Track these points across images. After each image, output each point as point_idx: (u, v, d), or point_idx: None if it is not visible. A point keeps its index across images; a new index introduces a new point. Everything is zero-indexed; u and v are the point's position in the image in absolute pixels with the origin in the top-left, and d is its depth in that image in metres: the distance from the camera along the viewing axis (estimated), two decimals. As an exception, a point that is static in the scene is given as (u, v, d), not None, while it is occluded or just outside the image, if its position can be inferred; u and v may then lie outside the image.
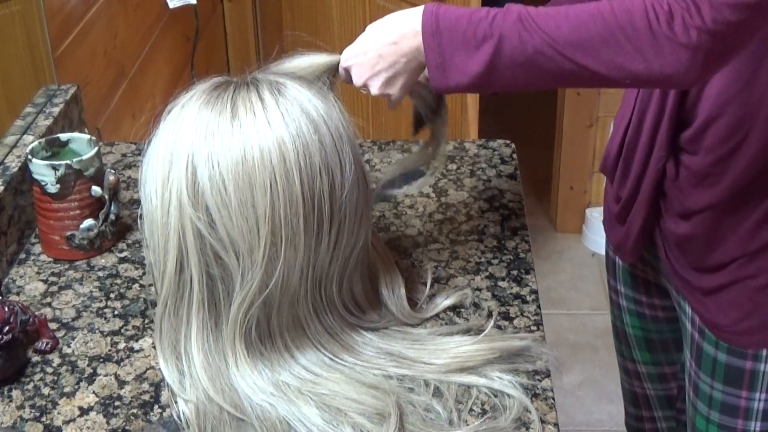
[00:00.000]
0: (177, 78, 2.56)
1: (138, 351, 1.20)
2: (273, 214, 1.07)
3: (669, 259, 1.35)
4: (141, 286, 1.33)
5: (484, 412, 1.09)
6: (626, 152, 1.34)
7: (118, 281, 1.35)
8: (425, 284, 1.30)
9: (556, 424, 1.08)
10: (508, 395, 1.11)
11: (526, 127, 3.52)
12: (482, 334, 1.19)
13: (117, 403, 1.12)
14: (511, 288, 1.31)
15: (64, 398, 1.13)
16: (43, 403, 1.12)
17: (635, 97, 1.32)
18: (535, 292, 1.31)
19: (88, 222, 1.38)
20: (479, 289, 1.31)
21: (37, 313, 1.22)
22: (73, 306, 1.29)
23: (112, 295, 1.32)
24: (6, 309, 1.14)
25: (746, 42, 1.04)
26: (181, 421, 1.08)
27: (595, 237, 3.21)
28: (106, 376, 1.16)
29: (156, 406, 1.11)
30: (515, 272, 1.35)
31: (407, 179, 1.59)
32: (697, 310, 1.32)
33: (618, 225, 1.42)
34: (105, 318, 1.27)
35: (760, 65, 1.14)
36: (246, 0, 3.20)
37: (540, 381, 1.14)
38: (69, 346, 1.21)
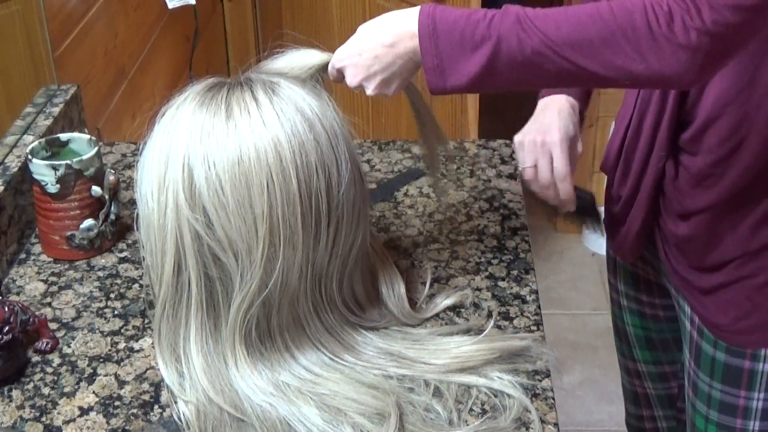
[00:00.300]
0: (177, 78, 2.56)
1: (138, 351, 1.20)
2: (271, 214, 1.07)
3: (668, 258, 1.35)
4: (141, 286, 1.33)
5: (484, 412, 1.09)
6: (626, 151, 1.34)
7: (118, 281, 1.35)
8: (425, 284, 1.30)
9: (556, 424, 1.08)
10: (508, 395, 1.11)
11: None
12: (482, 334, 1.19)
13: (117, 403, 1.12)
14: (511, 288, 1.31)
15: (64, 398, 1.13)
16: (43, 403, 1.12)
17: (636, 97, 1.32)
18: (535, 292, 1.31)
19: (88, 222, 1.38)
20: (479, 289, 1.31)
21: (37, 313, 1.22)
22: (73, 306, 1.29)
23: (112, 295, 1.32)
24: (6, 309, 1.14)
25: (746, 43, 1.04)
26: (181, 421, 1.08)
27: (595, 237, 3.21)
28: (106, 376, 1.16)
29: (156, 406, 1.11)
30: (515, 272, 1.35)
31: (407, 179, 1.59)
32: (696, 309, 1.33)
33: (618, 224, 1.42)
34: (105, 318, 1.27)
35: (759, 67, 1.14)
36: (246, 0, 3.20)
37: (540, 381, 1.14)
38: (69, 346, 1.21)
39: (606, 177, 1.46)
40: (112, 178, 1.40)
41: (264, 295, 1.09)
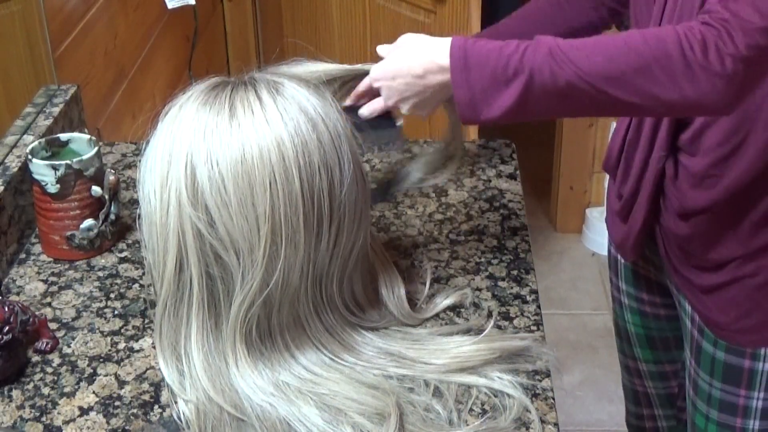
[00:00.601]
0: (177, 78, 2.56)
1: (138, 351, 1.20)
2: (273, 213, 1.07)
3: (669, 257, 1.35)
4: (141, 286, 1.33)
5: (484, 412, 1.09)
6: (627, 151, 1.35)
7: (118, 281, 1.35)
8: (425, 284, 1.30)
9: (556, 424, 1.08)
10: (508, 395, 1.11)
11: (526, 127, 3.51)
12: (482, 334, 1.19)
13: (117, 403, 1.12)
14: (511, 288, 1.31)
15: (64, 398, 1.13)
16: (43, 403, 1.12)
17: None
18: (535, 292, 1.31)
19: (88, 222, 1.38)
20: (479, 289, 1.31)
21: (37, 313, 1.22)
22: (73, 306, 1.29)
23: (112, 295, 1.32)
24: (6, 309, 1.14)
25: None
26: (181, 421, 1.08)
27: (595, 237, 3.21)
28: (106, 376, 1.16)
29: (156, 406, 1.11)
30: (515, 272, 1.35)
31: (398, 183, 1.59)
32: (697, 308, 1.33)
33: (620, 222, 1.42)
34: (105, 318, 1.27)
35: None
36: (246, 0, 3.20)
37: (540, 381, 1.14)
38: (69, 346, 1.21)
39: (607, 177, 1.46)
40: (112, 178, 1.40)
41: (265, 295, 1.09)
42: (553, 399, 1.12)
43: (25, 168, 1.40)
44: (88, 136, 1.43)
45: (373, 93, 1.23)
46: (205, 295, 1.11)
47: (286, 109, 1.09)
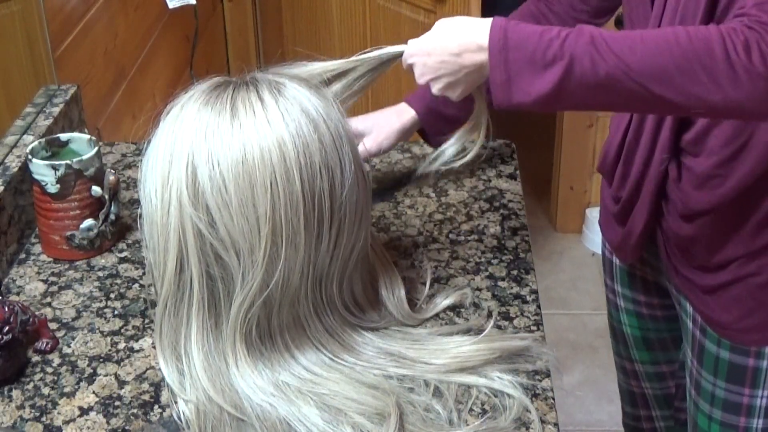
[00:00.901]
0: (177, 78, 2.56)
1: (138, 351, 1.20)
2: (274, 214, 1.07)
3: (670, 258, 1.35)
4: (141, 286, 1.33)
5: (484, 412, 1.09)
6: (626, 153, 1.34)
7: (118, 281, 1.35)
8: (425, 284, 1.30)
9: (556, 424, 1.08)
10: (508, 395, 1.11)
11: (526, 127, 3.52)
12: (482, 334, 1.19)
13: (117, 403, 1.12)
14: (511, 288, 1.31)
15: (64, 398, 1.13)
16: (43, 403, 1.12)
17: None
18: (535, 292, 1.31)
19: (88, 222, 1.38)
20: (479, 289, 1.31)
21: (37, 313, 1.22)
22: (73, 306, 1.29)
23: (112, 295, 1.32)
24: (6, 309, 1.14)
25: None
26: (181, 421, 1.08)
27: (595, 237, 3.21)
28: (106, 376, 1.16)
29: (156, 406, 1.11)
30: (515, 272, 1.35)
31: (407, 179, 1.59)
32: (699, 308, 1.33)
33: (617, 225, 1.42)
34: (105, 318, 1.27)
35: None
36: (246, 0, 3.20)
37: (540, 381, 1.14)
38: (69, 346, 1.21)
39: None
40: (112, 178, 1.40)
41: (265, 295, 1.09)
42: (553, 399, 1.12)
43: (25, 168, 1.40)
44: (88, 136, 1.43)
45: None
46: (205, 295, 1.11)
47: (287, 110, 1.09)
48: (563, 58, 1.03)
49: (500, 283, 1.32)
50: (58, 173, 1.34)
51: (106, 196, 1.40)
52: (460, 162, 1.33)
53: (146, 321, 1.26)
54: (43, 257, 1.40)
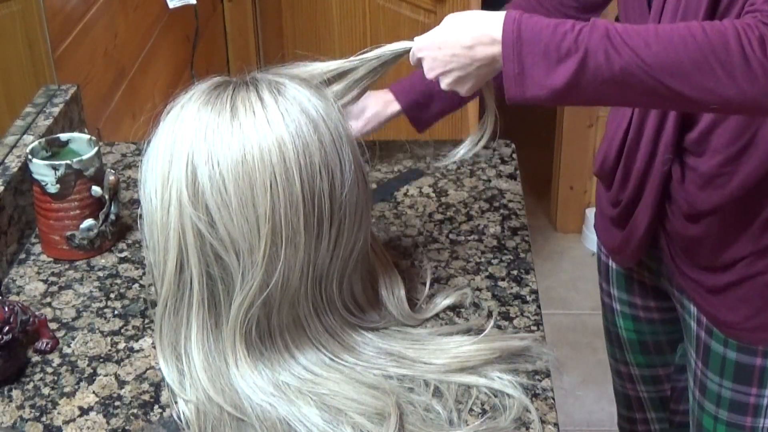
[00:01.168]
0: (177, 78, 2.56)
1: (138, 351, 1.20)
2: (273, 214, 1.07)
3: (674, 260, 1.34)
4: (141, 286, 1.33)
5: (484, 412, 1.09)
6: (627, 155, 1.32)
7: (118, 281, 1.35)
8: (425, 284, 1.30)
9: (556, 424, 1.08)
10: (508, 395, 1.11)
11: (526, 127, 3.51)
12: (482, 334, 1.19)
13: (117, 403, 1.12)
14: (511, 288, 1.31)
15: (64, 398, 1.13)
16: (43, 403, 1.12)
17: None
18: (535, 292, 1.31)
19: (88, 222, 1.38)
20: (479, 289, 1.31)
21: (37, 313, 1.22)
22: (73, 306, 1.29)
23: (112, 295, 1.32)
24: (6, 309, 1.14)
25: None
26: (181, 421, 1.08)
27: (595, 237, 3.20)
28: (106, 376, 1.16)
29: (156, 406, 1.11)
30: (515, 272, 1.35)
31: (407, 178, 1.59)
32: (705, 309, 1.32)
33: (616, 229, 1.41)
34: (105, 318, 1.27)
35: None
36: (246, 0, 3.20)
37: (540, 381, 1.14)
38: (69, 346, 1.21)
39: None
40: (112, 178, 1.40)
41: (265, 295, 1.09)
42: (553, 399, 1.12)
43: (25, 168, 1.40)
44: (88, 136, 1.43)
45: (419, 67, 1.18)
46: (205, 295, 1.11)
47: (287, 110, 1.09)
48: (578, 52, 1.01)
49: (500, 283, 1.32)
50: (58, 173, 1.34)
51: (106, 196, 1.40)
52: (462, 153, 1.31)
53: (146, 321, 1.26)
54: (43, 257, 1.40)
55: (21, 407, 1.12)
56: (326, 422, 1.05)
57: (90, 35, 1.93)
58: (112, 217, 1.41)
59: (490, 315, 1.25)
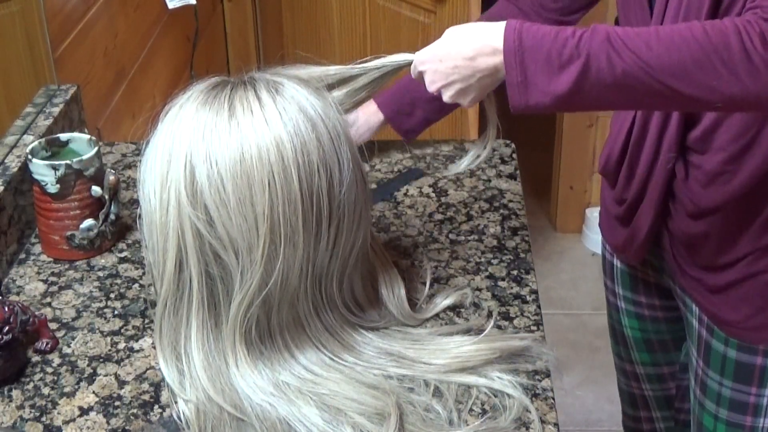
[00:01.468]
0: (177, 78, 2.56)
1: (138, 351, 1.20)
2: (272, 213, 1.07)
3: (676, 258, 1.34)
4: (141, 286, 1.33)
5: (484, 412, 1.09)
6: (631, 153, 1.33)
7: (118, 281, 1.35)
8: (425, 284, 1.30)
9: (556, 424, 1.08)
10: (508, 395, 1.11)
11: (526, 127, 3.51)
12: (482, 334, 1.19)
13: (117, 403, 1.12)
14: (511, 288, 1.31)
15: (64, 398, 1.13)
16: (43, 403, 1.12)
17: None
18: (535, 292, 1.31)
19: (88, 222, 1.38)
20: (479, 289, 1.31)
21: (37, 313, 1.22)
22: (73, 306, 1.29)
23: (112, 295, 1.32)
24: (6, 309, 1.14)
25: None
26: (181, 421, 1.08)
27: (595, 237, 3.20)
28: (106, 376, 1.16)
29: (156, 406, 1.11)
30: (515, 272, 1.35)
31: (407, 179, 1.59)
32: (706, 307, 1.32)
33: (620, 227, 1.41)
34: (105, 318, 1.27)
35: None
36: (246, 0, 3.20)
37: (540, 381, 1.14)
38: (69, 346, 1.21)
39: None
40: (112, 178, 1.40)
41: (264, 294, 1.09)
42: (553, 399, 1.12)
43: (25, 168, 1.40)
44: (88, 136, 1.43)
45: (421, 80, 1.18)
46: (204, 294, 1.11)
47: (285, 109, 1.09)
48: (579, 57, 1.02)
49: (500, 283, 1.32)
50: (58, 173, 1.34)
51: (106, 196, 1.40)
52: (466, 165, 1.33)
53: (146, 321, 1.26)
54: (43, 257, 1.40)
55: (21, 407, 1.12)
56: (326, 422, 1.05)
57: (90, 35, 1.93)
58: (112, 217, 1.41)
59: (490, 315, 1.25)
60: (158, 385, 1.14)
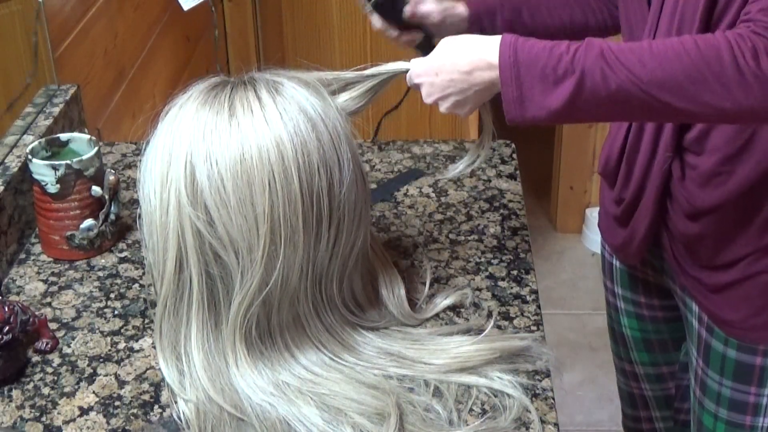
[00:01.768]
0: (177, 78, 2.56)
1: (138, 351, 1.20)
2: (272, 213, 1.07)
3: (676, 258, 1.34)
4: (141, 286, 1.33)
5: (484, 412, 1.09)
6: (629, 154, 1.33)
7: (118, 281, 1.35)
8: (425, 284, 1.30)
9: (556, 424, 1.08)
10: (508, 395, 1.11)
11: (526, 127, 3.52)
12: (482, 334, 1.19)
13: (117, 403, 1.12)
14: (511, 288, 1.31)
15: (64, 398, 1.13)
16: (43, 403, 1.12)
17: None
18: (535, 292, 1.31)
19: (88, 222, 1.38)
20: (479, 289, 1.31)
21: (37, 313, 1.22)
22: (73, 306, 1.29)
23: (112, 295, 1.32)
24: (6, 309, 1.14)
25: None
26: (181, 421, 1.08)
27: (595, 237, 3.21)
28: (106, 376, 1.16)
29: (156, 406, 1.11)
30: (515, 272, 1.35)
31: (407, 179, 1.59)
32: (706, 307, 1.32)
33: (619, 227, 1.41)
34: (105, 318, 1.27)
35: None
36: (246, 0, 3.20)
37: (540, 381, 1.14)
38: (69, 346, 1.21)
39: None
40: (112, 178, 1.40)
41: (264, 294, 1.09)
42: (553, 399, 1.12)
43: (25, 168, 1.40)
44: (88, 136, 1.43)
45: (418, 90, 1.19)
46: (204, 294, 1.11)
47: (285, 109, 1.09)
48: (574, 73, 1.04)
49: (500, 283, 1.32)
50: (58, 173, 1.34)
51: (106, 196, 1.40)
52: (461, 169, 1.33)
53: (146, 321, 1.26)
54: (43, 257, 1.40)
55: (21, 407, 1.12)
56: (326, 422, 1.05)
57: (90, 35, 1.92)
58: (112, 217, 1.41)
59: (490, 315, 1.25)
60: (158, 385, 1.14)
